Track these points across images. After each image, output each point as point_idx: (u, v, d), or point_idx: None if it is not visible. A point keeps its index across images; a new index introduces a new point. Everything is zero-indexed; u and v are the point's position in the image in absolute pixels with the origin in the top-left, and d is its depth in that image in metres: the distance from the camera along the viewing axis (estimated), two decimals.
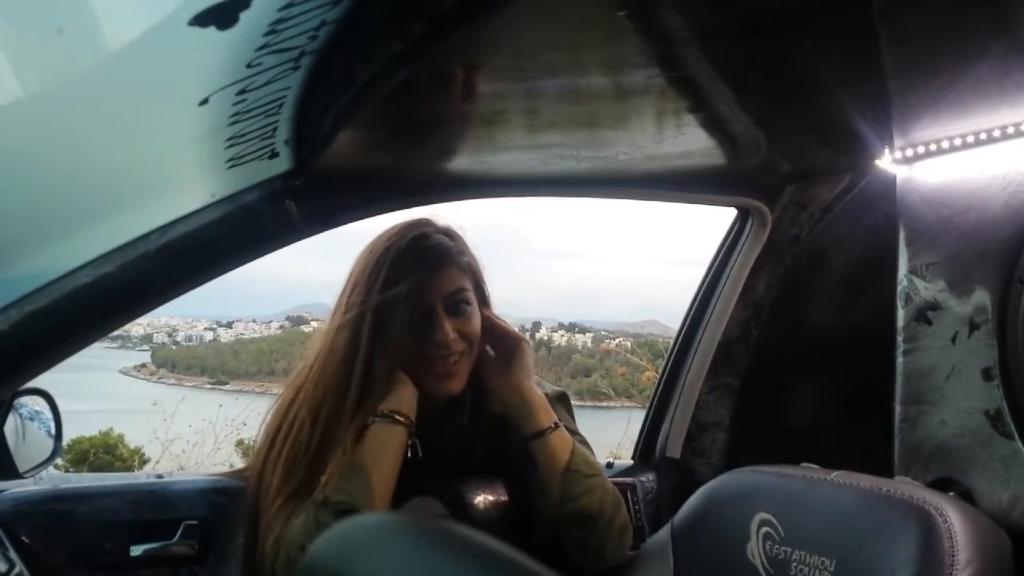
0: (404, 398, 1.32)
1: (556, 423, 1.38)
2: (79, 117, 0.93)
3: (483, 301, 1.43)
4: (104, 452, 5.98)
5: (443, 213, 1.45)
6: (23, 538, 1.28)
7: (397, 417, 1.30)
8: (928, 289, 1.39)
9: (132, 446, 6.14)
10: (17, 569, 1.07)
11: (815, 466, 1.35)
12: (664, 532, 1.45)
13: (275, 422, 1.38)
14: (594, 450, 1.48)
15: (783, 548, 1.25)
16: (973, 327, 1.32)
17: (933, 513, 1.12)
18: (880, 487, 1.22)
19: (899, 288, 1.44)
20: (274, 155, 1.08)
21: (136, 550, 1.39)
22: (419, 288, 1.32)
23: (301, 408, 1.34)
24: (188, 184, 1.15)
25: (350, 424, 1.30)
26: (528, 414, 1.36)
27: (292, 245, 1.29)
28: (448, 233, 1.41)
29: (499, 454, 1.42)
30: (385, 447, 1.29)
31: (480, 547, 0.34)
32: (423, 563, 0.33)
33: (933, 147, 1.37)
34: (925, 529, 1.11)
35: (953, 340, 1.35)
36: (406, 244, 1.35)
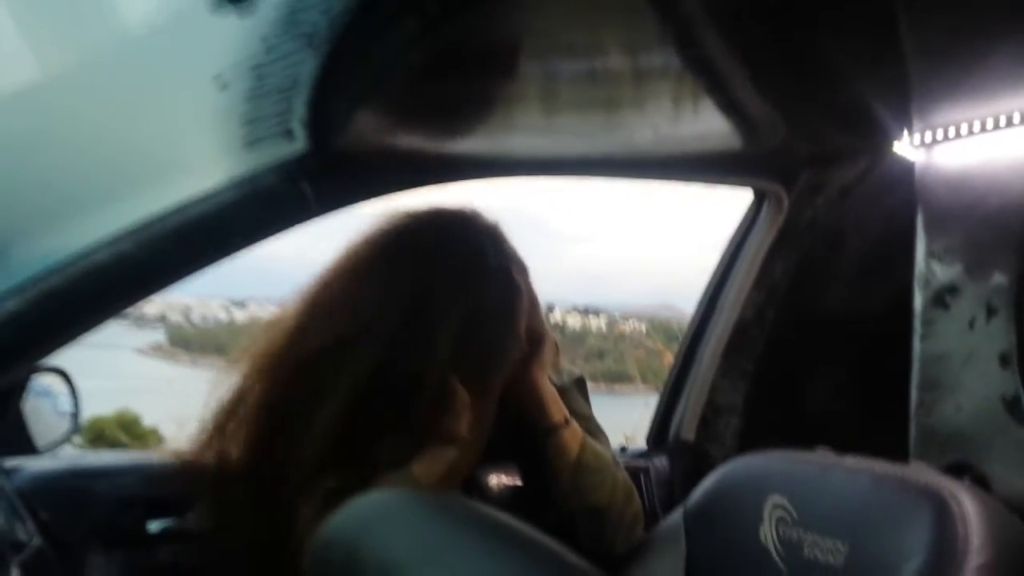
0: None
1: (567, 419, 1.37)
2: (96, 96, 0.94)
3: None
4: (120, 431, 6.04)
5: (458, 195, 1.44)
6: (40, 513, 1.30)
7: None
8: (946, 273, 1.38)
9: (148, 425, 6.19)
10: (36, 542, 1.08)
11: (829, 450, 1.34)
12: (677, 515, 1.45)
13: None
14: (608, 437, 1.48)
15: (796, 531, 1.25)
16: (991, 312, 1.31)
17: (947, 498, 1.12)
18: (894, 472, 1.22)
19: (916, 272, 1.43)
20: (289, 135, 1.08)
21: (153, 526, 1.41)
22: None
23: None
24: (204, 164, 1.16)
25: None
26: (539, 410, 1.36)
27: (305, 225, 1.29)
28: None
29: (514, 440, 1.42)
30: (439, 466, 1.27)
31: (493, 521, 0.34)
32: (437, 537, 0.34)
33: (953, 131, 1.36)
34: (939, 514, 1.11)
35: (971, 325, 1.34)
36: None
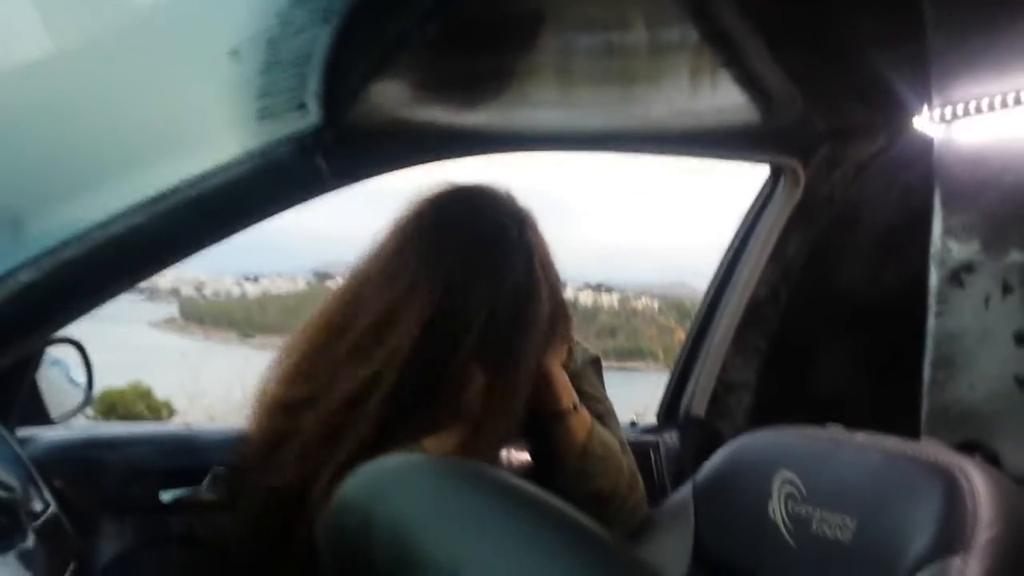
0: None
1: (576, 405, 1.36)
2: (111, 69, 0.94)
3: None
4: (133, 403, 6.09)
5: (471, 169, 1.44)
6: (55, 482, 1.31)
7: None
8: (962, 251, 1.37)
9: (160, 398, 6.24)
10: (52, 509, 1.09)
11: (840, 427, 1.34)
12: (685, 490, 1.46)
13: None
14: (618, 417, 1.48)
15: (805, 507, 1.25)
16: (1007, 290, 1.30)
17: (957, 475, 1.11)
18: (904, 449, 1.22)
19: (932, 250, 1.43)
20: (303, 108, 1.08)
21: (165, 496, 1.42)
22: None
23: None
24: (218, 136, 1.16)
25: None
26: (549, 394, 1.35)
27: (318, 199, 1.29)
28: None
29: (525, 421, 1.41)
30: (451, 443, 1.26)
31: (507, 484, 0.34)
32: (452, 501, 0.34)
33: (972, 106, 1.34)
34: (948, 490, 1.11)
35: (986, 303, 1.33)
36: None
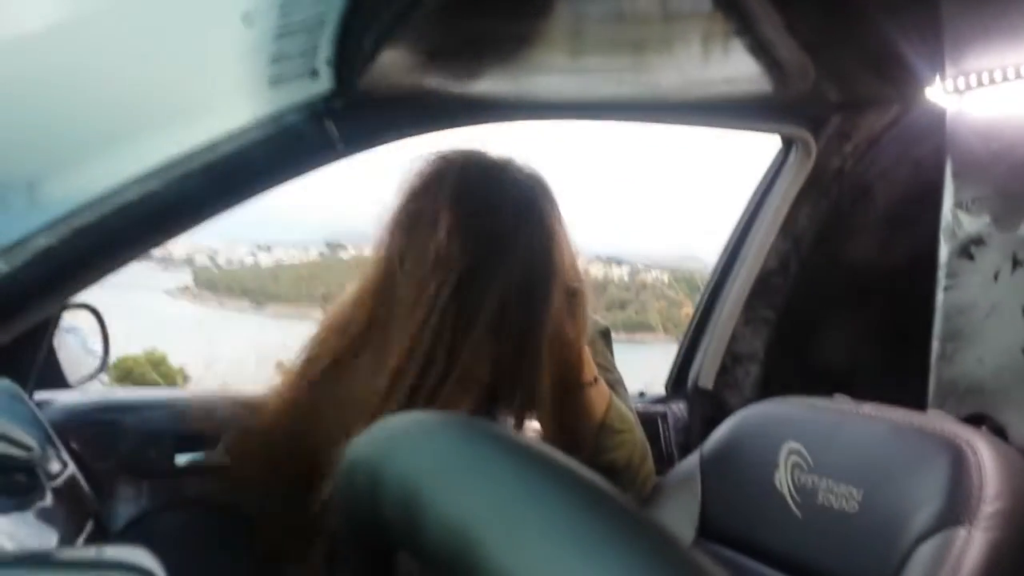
0: None
1: (596, 378, 1.36)
2: (125, 33, 0.94)
3: None
4: (148, 370, 6.14)
5: (481, 138, 1.43)
6: (72, 445, 1.33)
7: None
8: (973, 224, 1.36)
9: (175, 365, 6.29)
10: (70, 469, 1.11)
11: (847, 398, 1.35)
12: (692, 460, 1.47)
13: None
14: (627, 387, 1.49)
15: (811, 477, 1.26)
16: (1016, 264, 1.30)
17: (963, 446, 1.12)
18: (911, 420, 1.22)
19: (943, 223, 1.42)
20: (315, 74, 1.08)
21: (181, 459, 1.44)
22: None
23: None
24: (232, 103, 1.16)
25: None
26: (570, 366, 1.34)
27: (330, 168, 1.29)
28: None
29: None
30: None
31: (518, 442, 0.34)
32: (460, 456, 0.34)
33: (985, 77, 1.33)
34: (955, 462, 1.11)
35: (995, 277, 1.33)
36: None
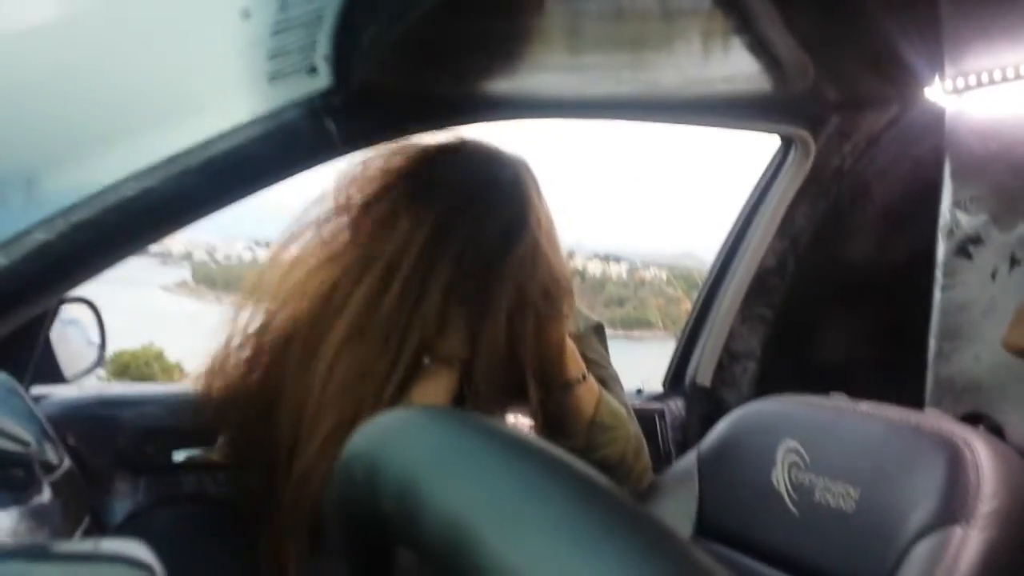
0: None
1: (584, 374, 1.35)
2: (123, 29, 0.94)
3: None
4: (145, 365, 6.14)
5: (479, 135, 1.43)
6: (69, 440, 1.33)
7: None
8: (971, 223, 1.36)
9: (172, 360, 6.29)
10: (67, 464, 1.11)
11: (844, 397, 1.35)
12: (690, 458, 1.47)
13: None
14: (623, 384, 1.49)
15: (808, 475, 1.26)
16: (1014, 262, 1.30)
17: (960, 445, 1.12)
18: (908, 419, 1.23)
19: (941, 222, 1.42)
20: (313, 70, 1.08)
21: (178, 455, 1.44)
22: None
23: None
24: (230, 99, 1.16)
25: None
26: (556, 364, 1.34)
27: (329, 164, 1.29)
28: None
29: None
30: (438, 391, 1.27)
31: (518, 438, 0.34)
32: (461, 450, 0.34)
33: (985, 77, 1.33)
34: (951, 461, 1.11)
35: (993, 276, 1.33)
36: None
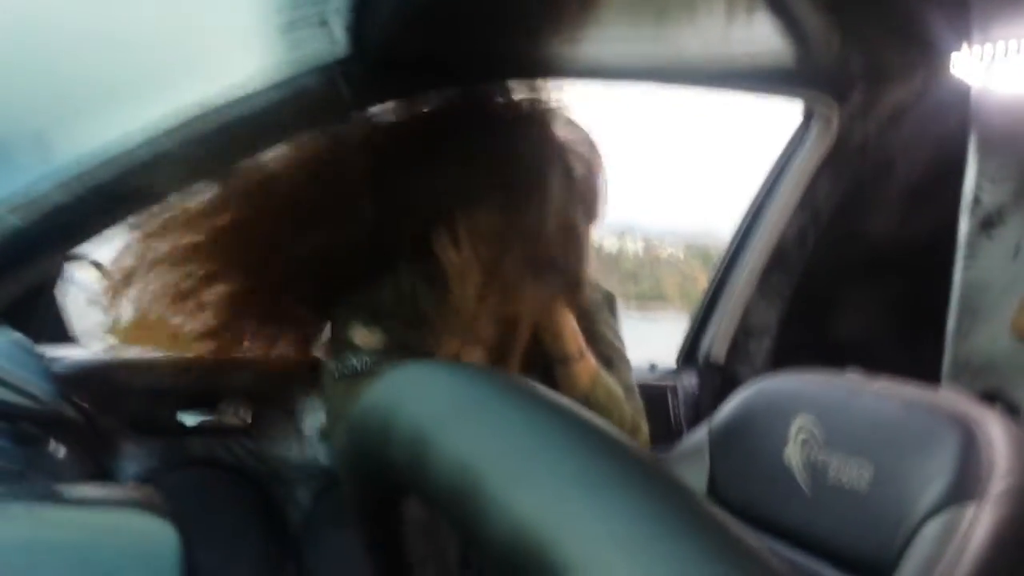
0: None
1: (582, 352, 1.33)
2: None
3: None
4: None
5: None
6: (81, 401, 1.33)
7: None
8: (994, 198, 1.34)
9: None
10: (78, 422, 1.12)
11: (859, 373, 1.33)
12: (701, 433, 1.46)
13: None
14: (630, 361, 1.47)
15: (821, 452, 1.25)
16: None
17: (974, 424, 1.11)
18: (923, 397, 1.21)
19: (964, 197, 1.40)
20: (328, 32, 1.07)
21: (187, 419, 1.45)
22: None
23: None
24: (243, 59, 1.15)
25: None
26: (555, 339, 1.32)
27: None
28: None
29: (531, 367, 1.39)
30: None
31: (535, 394, 0.34)
32: (472, 399, 0.34)
33: (1014, 45, 1.30)
34: (965, 439, 1.10)
35: (1015, 255, 1.31)
36: None
